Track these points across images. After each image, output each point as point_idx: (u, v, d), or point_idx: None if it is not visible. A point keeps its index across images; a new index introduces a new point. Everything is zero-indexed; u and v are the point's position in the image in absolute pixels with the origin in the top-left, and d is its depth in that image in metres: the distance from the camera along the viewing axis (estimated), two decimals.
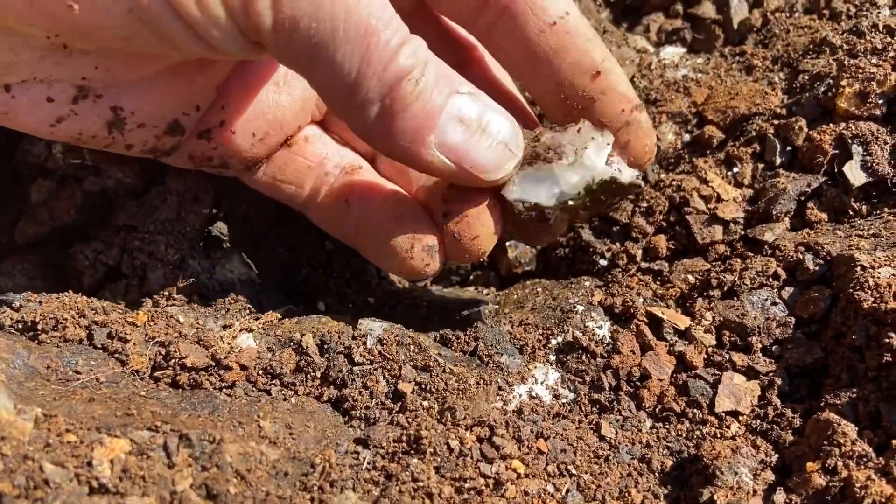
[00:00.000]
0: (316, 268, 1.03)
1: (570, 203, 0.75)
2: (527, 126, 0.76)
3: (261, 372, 0.74)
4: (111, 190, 0.89)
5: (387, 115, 0.65)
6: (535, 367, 0.81)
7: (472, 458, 0.67)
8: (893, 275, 0.75)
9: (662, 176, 0.97)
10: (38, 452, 0.54)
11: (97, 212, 0.89)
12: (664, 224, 0.93)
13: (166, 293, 0.81)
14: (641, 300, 0.86)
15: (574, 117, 0.76)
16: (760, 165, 0.94)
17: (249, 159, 0.82)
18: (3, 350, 0.66)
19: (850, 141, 0.88)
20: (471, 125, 0.68)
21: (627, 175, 0.75)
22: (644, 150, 0.79)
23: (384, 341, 0.77)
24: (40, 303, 0.75)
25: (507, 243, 1.06)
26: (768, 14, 1.09)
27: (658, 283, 0.90)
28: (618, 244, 0.95)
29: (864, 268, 0.76)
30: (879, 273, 0.75)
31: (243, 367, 0.74)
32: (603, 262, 0.95)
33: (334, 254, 1.04)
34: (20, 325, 0.72)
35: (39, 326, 0.71)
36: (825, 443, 0.68)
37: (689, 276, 0.88)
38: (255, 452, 0.58)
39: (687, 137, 0.99)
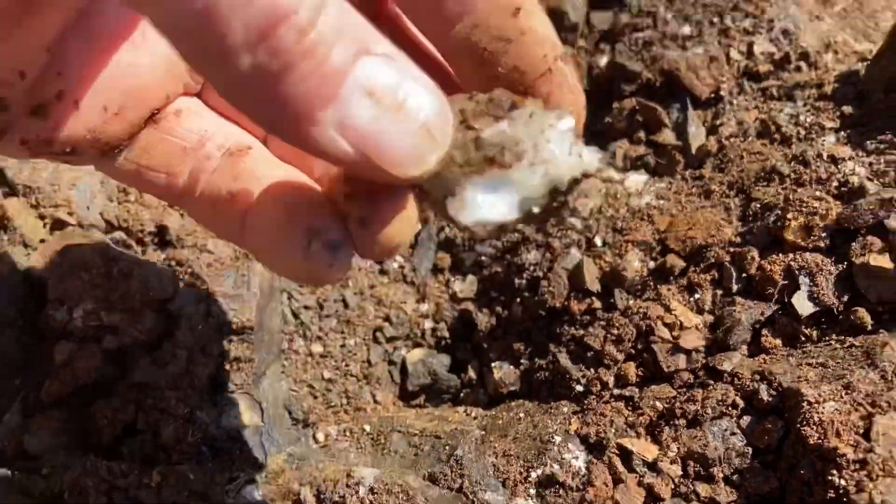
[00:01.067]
0: (315, 396, 1.11)
1: (535, 211, 0.57)
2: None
3: None
4: (127, 347, 0.98)
5: (261, 75, 0.45)
6: (517, 502, 0.88)
7: None
8: (837, 410, 0.82)
9: (630, 303, 1.05)
10: None
11: (115, 367, 0.98)
12: (633, 352, 1.01)
13: (178, 447, 0.89)
14: (613, 431, 0.93)
15: (486, 70, 0.61)
16: (719, 292, 1.02)
17: (104, 142, 0.64)
18: None
19: (797, 272, 0.96)
20: (383, 100, 0.48)
21: (590, 160, 0.58)
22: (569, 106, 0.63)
23: (375, 490, 0.84)
24: (66, 467, 0.84)
25: (493, 364, 1.14)
26: (723, 140, 1.18)
27: (629, 409, 0.97)
28: (592, 370, 1.03)
29: (810, 403, 0.84)
30: (824, 409, 0.82)
31: None
32: (579, 388, 1.03)
33: (333, 382, 1.12)
34: (48, 493, 0.81)
35: (65, 496, 0.80)
36: None
37: (658, 403, 0.95)
38: None
39: (652, 264, 1.07)
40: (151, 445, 0.90)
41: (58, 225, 1.05)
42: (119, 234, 1.07)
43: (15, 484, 0.82)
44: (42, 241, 1.04)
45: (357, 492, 0.84)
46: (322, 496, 0.84)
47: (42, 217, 1.06)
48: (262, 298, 1.07)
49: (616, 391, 1.00)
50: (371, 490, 0.84)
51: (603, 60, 1.33)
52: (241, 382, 1.01)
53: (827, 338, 0.95)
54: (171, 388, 0.93)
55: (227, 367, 1.00)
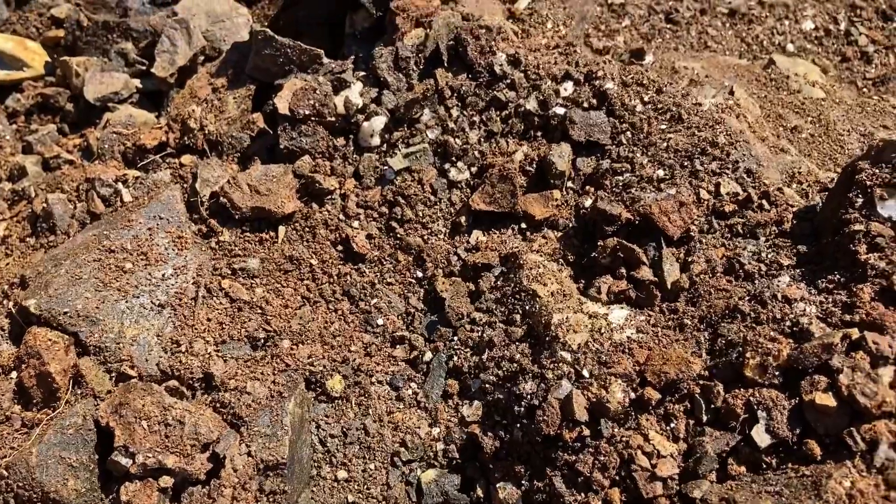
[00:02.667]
0: None
1: None
2: None
3: None
4: (179, 483, 1.15)
5: None
6: None
7: None
8: None
9: (615, 430, 1.19)
10: None
11: (171, 500, 1.15)
12: (617, 478, 1.15)
13: None
14: None
15: None
16: (691, 421, 1.16)
17: None
18: None
19: (755, 406, 1.10)
20: None
21: None
22: None
23: None
24: None
25: (498, 484, 1.28)
26: (694, 276, 1.34)
27: None
28: (582, 494, 1.17)
29: None
30: None
31: None
32: None
33: None
34: None
35: None
36: None
37: None
38: None
39: (633, 395, 1.22)
40: None
41: (122, 377, 1.24)
42: (173, 383, 1.25)
43: None
44: (109, 392, 1.23)
45: None
46: None
47: (109, 371, 1.25)
48: (293, 434, 1.24)
49: None
50: None
51: (588, 202, 1.51)
52: None
53: (784, 466, 1.08)
54: None
55: (265, 499, 1.17)
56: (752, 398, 1.12)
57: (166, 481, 1.14)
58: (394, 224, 1.55)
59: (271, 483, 1.17)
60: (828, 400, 1.06)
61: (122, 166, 1.59)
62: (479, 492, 1.32)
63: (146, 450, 1.15)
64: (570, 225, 1.53)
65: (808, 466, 1.05)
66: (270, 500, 1.16)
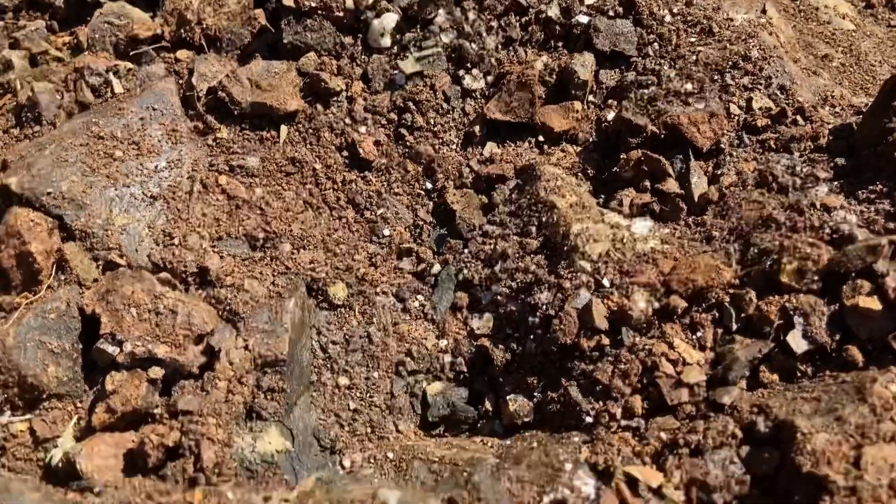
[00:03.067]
0: (342, 425, 1.18)
1: None
2: None
3: None
4: (170, 375, 1.07)
5: None
6: None
7: None
8: (829, 441, 0.89)
9: (636, 340, 1.12)
10: None
11: (160, 393, 1.06)
12: (639, 385, 1.08)
13: (217, 469, 0.97)
14: (621, 459, 1.00)
15: None
16: (720, 330, 1.09)
17: None
18: None
19: (792, 312, 1.03)
20: None
21: None
22: None
23: None
24: (115, 488, 0.92)
25: (508, 396, 1.21)
26: (724, 189, 1.27)
27: (636, 439, 1.04)
28: (601, 403, 1.10)
29: (803, 434, 0.90)
30: (816, 440, 0.89)
31: None
32: (588, 419, 1.10)
33: (358, 412, 1.20)
34: None
35: None
36: None
37: (662, 434, 1.02)
38: None
39: (656, 305, 1.15)
40: (193, 467, 0.98)
41: (110, 266, 1.15)
42: (164, 275, 1.16)
43: (69, 502, 0.90)
44: (95, 280, 1.14)
45: None
46: None
47: (95, 259, 1.16)
48: (293, 333, 1.16)
49: (623, 422, 1.06)
50: None
51: (610, 115, 1.43)
52: (274, 411, 1.09)
53: (821, 374, 1.01)
54: (212, 414, 1.01)
55: (262, 396, 1.09)
56: (787, 304, 1.04)
57: (156, 372, 1.06)
58: (403, 131, 1.46)
59: (269, 380, 1.09)
60: (872, 304, 0.99)
61: (112, 57, 1.48)
62: (488, 405, 1.24)
63: (135, 338, 1.06)
64: (591, 139, 1.45)
65: (849, 373, 0.98)
66: (268, 397, 1.08)
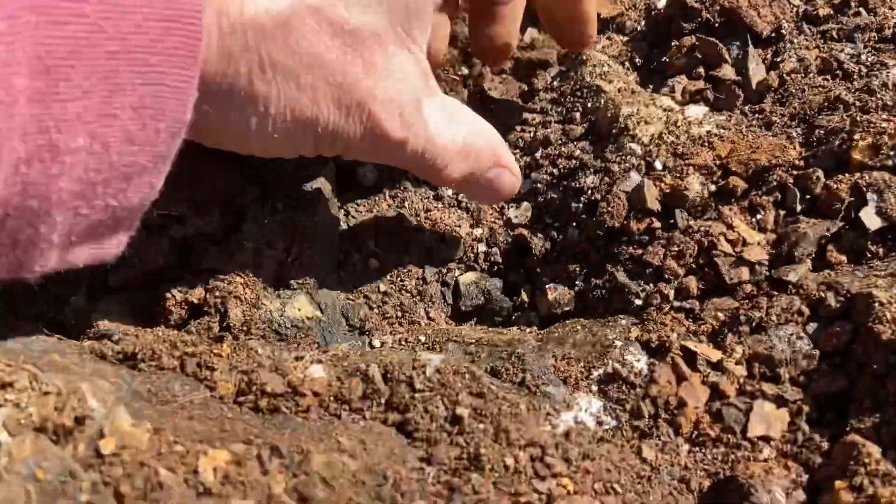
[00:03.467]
0: (371, 307, 1.11)
1: None
2: None
3: (332, 398, 0.82)
4: (192, 237, 0.99)
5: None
6: (579, 397, 0.88)
7: (525, 474, 0.74)
8: None
9: (691, 222, 1.05)
10: (153, 459, 0.62)
11: (181, 257, 0.99)
12: (694, 266, 1.01)
13: (245, 328, 0.90)
14: (676, 335, 0.93)
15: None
16: (782, 212, 1.02)
17: None
18: (112, 375, 0.75)
19: (865, 189, 0.96)
20: None
21: None
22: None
23: (441, 371, 0.84)
24: (136, 336, 0.85)
25: (547, 285, 1.14)
26: (784, 75, 1.19)
27: (690, 320, 0.97)
28: (651, 285, 1.03)
29: (881, 303, 0.83)
30: None
31: (316, 394, 0.82)
32: (638, 302, 1.03)
33: (388, 295, 1.13)
34: (120, 356, 0.82)
35: (138, 356, 0.80)
36: (852, 463, 0.74)
37: (720, 314, 0.95)
38: (338, 462, 0.66)
39: (712, 188, 1.07)
40: (219, 326, 0.91)
41: None
42: None
43: (86, 348, 0.83)
44: None
45: (424, 372, 0.84)
46: (389, 375, 0.84)
47: None
48: (322, 207, 1.09)
49: (676, 303, 1.00)
50: (438, 370, 0.84)
51: (661, 2, 1.34)
52: (303, 282, 1.02)
53: (893, 253, 0.94)
54: (239, 273, 0.94)
55: (291, 264, 1.01)
56: (860, 181, 0.97)
57: (177, 231, 0.98)
58: None
59: (298, 248, 1.02)
60: None
61: None
62: (524, 296, 1.17)
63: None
64: (639, 28, 1.36)
65: None
66: (297, 265, 1.01)
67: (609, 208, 1.10)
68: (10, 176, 0.57)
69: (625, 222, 1.09)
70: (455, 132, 0.95)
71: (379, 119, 0.85)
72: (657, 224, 1.07)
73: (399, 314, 1.13)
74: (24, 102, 0.55)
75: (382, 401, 0.83)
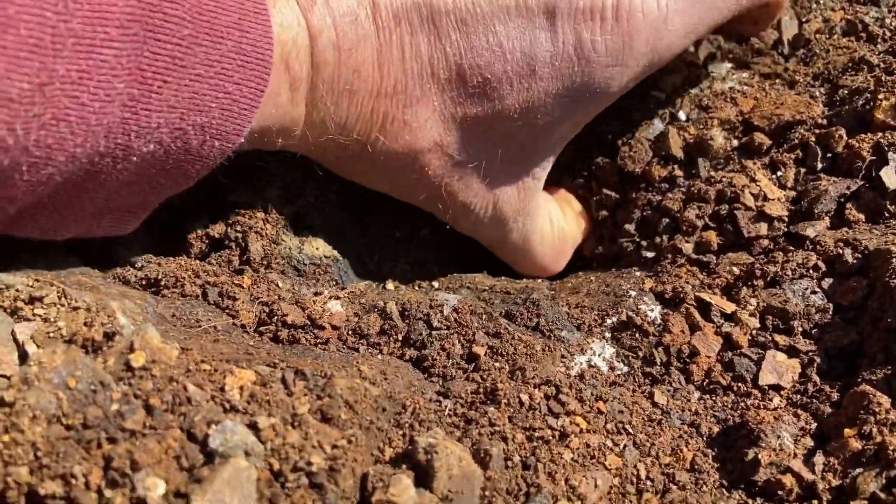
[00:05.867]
0: (385, 255, 1.12)
1: None
2: None
3: (350, 332, 0.83)
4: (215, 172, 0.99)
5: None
6: (593, 342, 0.89)
7: (540, 411, 0.76)
8: None
9: (713, 173, 1.05)
10: (182, 376, 0.63)
11: (204, 191, 0.99)
12: (713, 219, 1.01)
13: (265, 262, 0.91)
14: (690, 287, 0.94)
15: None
16: (802, 170, 1.02)
17: None
18: (137, 298, 0.76)
19: (886, 148, 0.96)
20: None
21: None
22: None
23: (459, 310, 0.86)
24: (159, 264, 0.86)
25: None
26: (808, 35, 1.17)
27: (705, 273, 0.98)
28: (666, 237, 1.03)
29: None
30: None
31: (335, 328, 0.83)
32: (650, 255, 1.04)
33: (401, 242, 1.14)
34: (143, 282, 0.83)
35: (162, 283, 0.81)
36: (861, 412, 0.76)
37: (735, 268, 0.96)
38: (361, 387, 0.67)
39: (735, 143, 1.07)
40: (239, 260, 0.91)
41: None
42: None
43: (108, 275, 0.84)
44: None
45: (441, 310, 0.85)
46: (406, 312, 0.85)
47: None
48: None
49: (694, 256, 1.00)
50: (455, 309, 0.85)
51: None
52: (322, 223, 1.02)
53: None
54: (261, 210, 0.94)
55: (310, 207, 1.02)
56: (882, 140, 0.97)
57: None
58: None
59: (316, 195, 1.02)
60: None
61: None
62: None
63: None
64: None
65: None
66: (316, 209, 1.01)
67: (631, 153, 1.10)
68: (83, 165, 0.63)
69: (647, 168, 1.09)
70: None
71: None
72: (679, 172, 1.07)
73: (411, 260, 1.14)
74: (118, 105, 0.60)
75: (400, 337, 0.84)
